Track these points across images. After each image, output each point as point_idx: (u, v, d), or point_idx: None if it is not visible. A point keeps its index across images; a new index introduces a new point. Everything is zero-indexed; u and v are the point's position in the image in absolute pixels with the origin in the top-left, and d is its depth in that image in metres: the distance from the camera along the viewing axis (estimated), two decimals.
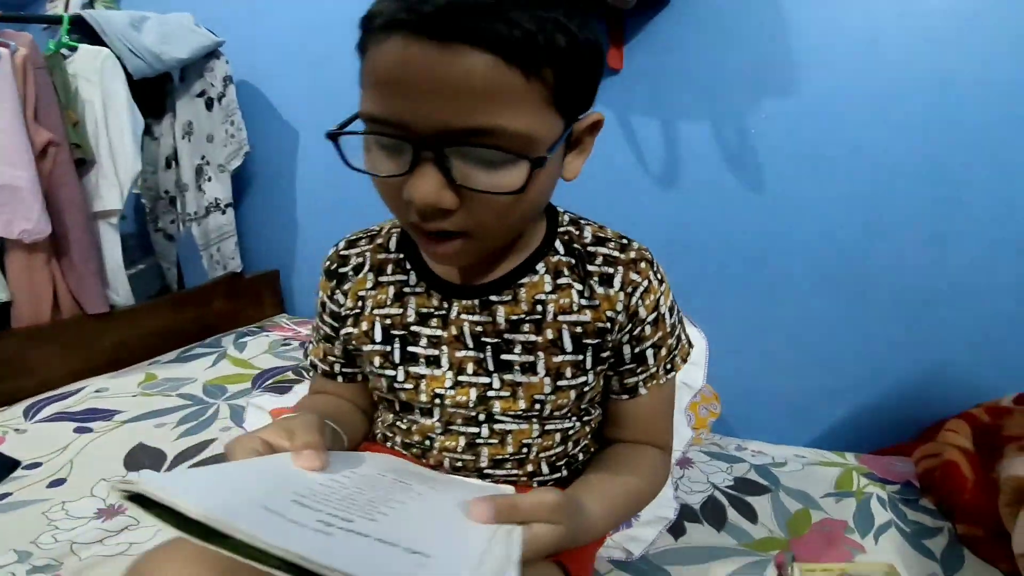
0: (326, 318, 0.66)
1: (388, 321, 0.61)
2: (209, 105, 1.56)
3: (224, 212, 1.61)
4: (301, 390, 1.20)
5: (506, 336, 0.58)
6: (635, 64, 1.24)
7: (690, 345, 0.66)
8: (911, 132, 1.08)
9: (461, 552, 0.38)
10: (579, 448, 0.66)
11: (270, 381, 1.32)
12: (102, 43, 1.39)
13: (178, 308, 1.51)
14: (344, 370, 0.69)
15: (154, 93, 1.57)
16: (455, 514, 0.44)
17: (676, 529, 0.89)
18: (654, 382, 0.62)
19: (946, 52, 1.03)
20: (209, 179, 1.60)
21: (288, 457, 0.45)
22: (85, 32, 1.40)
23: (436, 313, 0.60)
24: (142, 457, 1.04)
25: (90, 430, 1.12)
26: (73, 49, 1.37)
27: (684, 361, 0.65)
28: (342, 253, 0.65)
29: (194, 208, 1.62)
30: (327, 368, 0.69)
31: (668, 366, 0.63)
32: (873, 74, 1.08)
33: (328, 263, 0.66)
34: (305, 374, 1.35)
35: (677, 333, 0.63)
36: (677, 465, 1.02)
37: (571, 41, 0.44)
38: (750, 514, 0.93)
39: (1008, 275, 1.06)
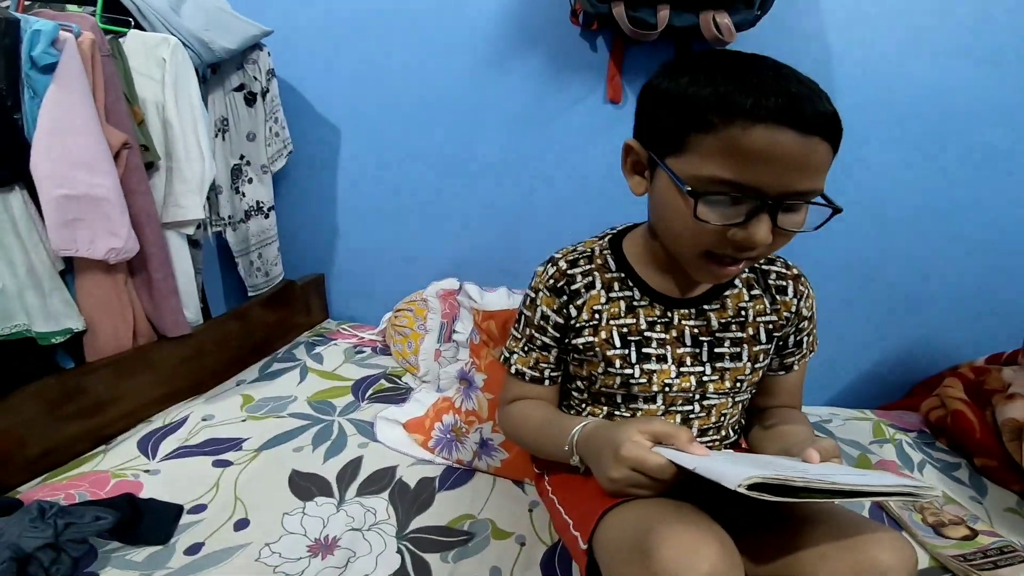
0: (549, 329, 0.81)
1: (624, 329, 0.78)
2: (250, 101, 1.46)
3: (267, 216, 1.54)
4: (422, 398, 1.26)
5: (717, 335, 0.79)
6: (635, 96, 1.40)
7: None
8: (909, 151, 1.36)
9: (853, 470, 0.62)
10: (742, 415, 0.88)
11: (370, 392, 1.35)
12: (137, 27, 1.24)
13: (239, 321, 1.45)
14: (552, 375, 0.85)
15: None
16: (796, 460, 0.66)
17: None
18: (803, 360, 0.87)
19: (939, 86, 1.31)
20: (249, 180, 1.51)
21: (667, 449, 0.63)
22: (114, 14, 1.23)
23: (660, 320, 0.78)
24: (306, 485, 1.05)
25: (229, 463, 1.10)
26: (120, 34, 1.21)
27: (817, 344, 0.89)
28: (568, 272, 0.80)
29: (229, 212, 1.52)
30: (536, 375, 0.85)
31: (811, 348, 0.88)
32: (887, 104, 1.34)
33: (552, 281, 0.80)
34: (397, 381, 1.39)
35: (816, 324, 0.87)
36: None
37: None
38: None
39: (973, 265, 1.41)
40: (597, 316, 0.78)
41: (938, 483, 1.13)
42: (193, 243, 1.55)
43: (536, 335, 0.82)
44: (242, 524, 0.96)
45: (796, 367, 0.86)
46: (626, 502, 0.66)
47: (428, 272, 1.55)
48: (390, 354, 1.51)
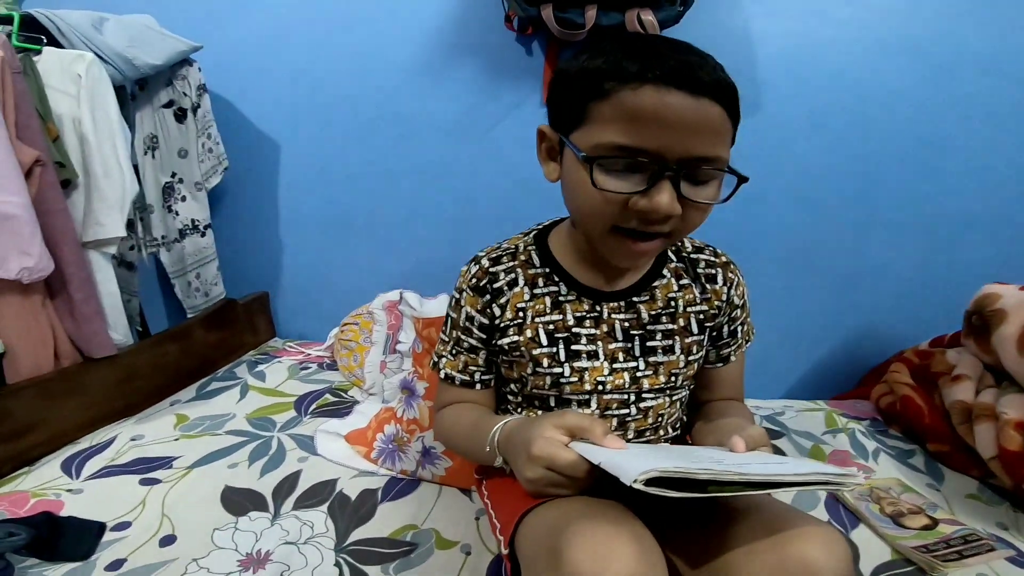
0: (474, 331, 0.78)
1: (551, 326, 0.75)
2: (180, 117, 1.43)
3: (203, 234, 1.50)
4: (365, 410, 1.22)
5: (648, 327, 0.76)
6: None
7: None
8: (838, 141, 1.40)
9: (780, 459, 0.59)
10: (682, 411, 0.85)
11: (313, 407, 1.31)
12: (55, 46, 1.22)
13: (174, 341, 1.39)
14: (483, 377, 0.81)
15: None
16: (723, 451, 0.63)
17: None
18: (739, 351, 0.85)
19: (862, 76, 1.35)
20: (183, 199, 1.47)
21: (585, 444, 0.60)
22: (33, 33, 1.21)
23: (589, 315, 0.75)
24: (241, 500, 1.01)
25: (158, 480, 1.05)
26: (34, 51, 1.18)
27: (754, 334, 0.88)
28: (491, 271, 0.77)
29: (162, 232, 1.48)
30: (466, 378, 0.81)
31: (747, 338, 0.86)
32: (812, 95, 1.38)
33: (474, 280, 0.77)
34: (343, 395, 1.35)
35: (749, 312, 0.86)
36: None
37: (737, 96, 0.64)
38: (780, 454, 1.17)
39: (911, 251, 1.44)
40: (521, 314, 0.75)
41: (894, 471, 1.12)
42: (128, 265, 1.51)
43: (463, 337, 0.79)
44: (168, 540, 0.91)
45: (733, 358, 0.85)
46: (546, 502, 0.64)
47: (375, 285, 1.52)
48: (337, 369, 1.47)
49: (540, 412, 0.78)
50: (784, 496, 0.72)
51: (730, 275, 0.80)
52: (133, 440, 1.16)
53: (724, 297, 0.79)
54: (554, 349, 0.74)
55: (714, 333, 0.81)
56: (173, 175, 1.47)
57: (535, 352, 0.74)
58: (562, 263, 0.76)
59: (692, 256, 0.80)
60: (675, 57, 0.58)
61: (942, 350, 1.33)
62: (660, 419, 0.79)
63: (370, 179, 1.57)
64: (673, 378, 0.77)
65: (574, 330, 0.74)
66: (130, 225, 1.47)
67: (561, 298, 0.75)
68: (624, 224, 0.64)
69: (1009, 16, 1.28)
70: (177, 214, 1.48)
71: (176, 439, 1.17)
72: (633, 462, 0.51)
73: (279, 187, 1.63)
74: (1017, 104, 1.33)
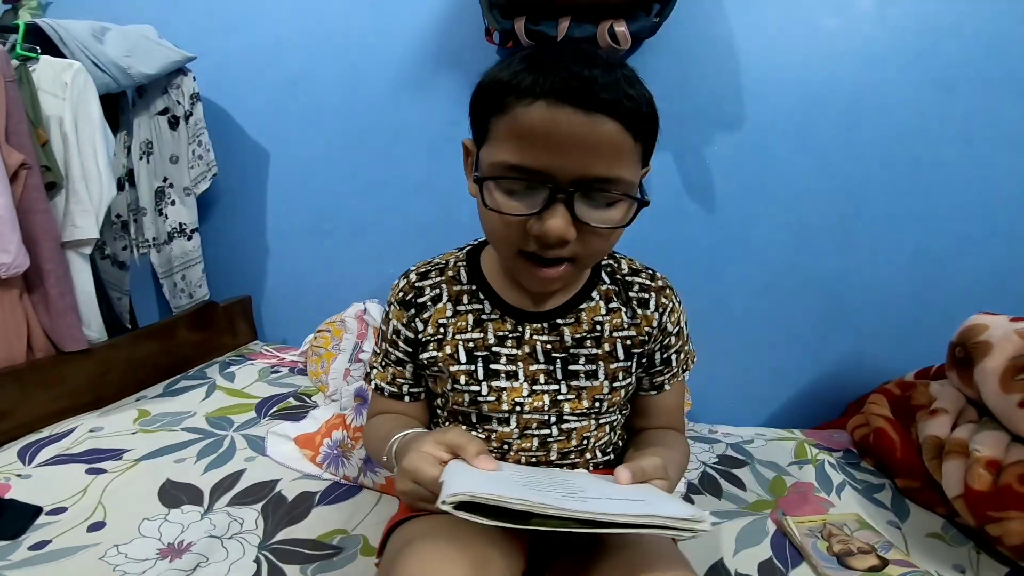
0: (400, 344, 0.77)
1: (471, 344, 0.73)
2: (174, 124, 1.50)
3: (190, 238, 1.56)
4: (319, 415, 1.23)
5: (571, 351, 0.73)
6: None
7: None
8: (825, 159, 1.34)
9: (656, 497, 0.54)
10: (617, 436, 0.82)
11: (274, 409, 1.32)
12: (58, 54, 1.29)
13: (152, 340, 1.44)
14: (411, 391, 0.80)
15: (105, 110, 1.47)
16: (604, 483, 0.60)
17: (686, 500, 1.06)
18: (675, 380, 0.81)
19: (850, 90, 1.29)
20: (172, 203, 1.54)
21: (463, 464, 0.57)
22: (38, 42, 1.29)
23: (511, 335, 0.73)
24: (177, 493, 1.03)
25: (103, 471, 1.07)
26: (32, 59, 1.26)
27: (693, 362, 0.84)
28: (416, 285, 0.76)
29: (153, 234, 1.55)
30: (395, 390, 0.80)
31: (684, 367, 0.82)
32: (797, 110, 1.33)
33: (401, 294, 0.76)
34: (307, 400, 1.36)
35: (689, 341, 0.83)
36: None
37: (653, 110, 0.60)
38: (738, 483, 1.13)
39: (902, 277, 1.36)
40: (442, 330, 0.74)
41: (856, 506, 1.06)
42: (120, 264, 1.58)
43: (390, 350, 0.78)
44: (97, 526, 0.94)
45: (668, 386, 0.81)
46: (417, 516, 0.64)
47: (355, 293, 1.54)
48: (307, 374, 1.49)
49: (463, 428, 0.76)
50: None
51: (663, 300, 0.76)
52: (92, 431, 1.20)
53: (655, 323, 0.75)
54: (472, 367, 0.73)
55: (644, 360, 0.77)
56: (165, 180, 1.54)
57: (452, 369, 0.73)
58: (490, 281, 0.75)
59: (627, 279, 0.77)
60: (573, 71, 0.54)
61: (926, 382, 1.26)
62: (585, 442, 0.76)
63: (354, 188, 1.60)
64: (597, 404, 0.74)
65: (494, 349, 0.73)
66: (124, 226, 1.56)
67: (484, 316, 0.74)
68: (526, 248, 0.61)
69: (1007, 28, 1.22)
70: (167, 217, 1.55)
71: (133, 433, 1.20)
72: (466, 484, 0.49)
73: (267, 194, 1.67)
74: (1016, 121, 1.26)
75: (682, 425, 0.87)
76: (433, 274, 0.77)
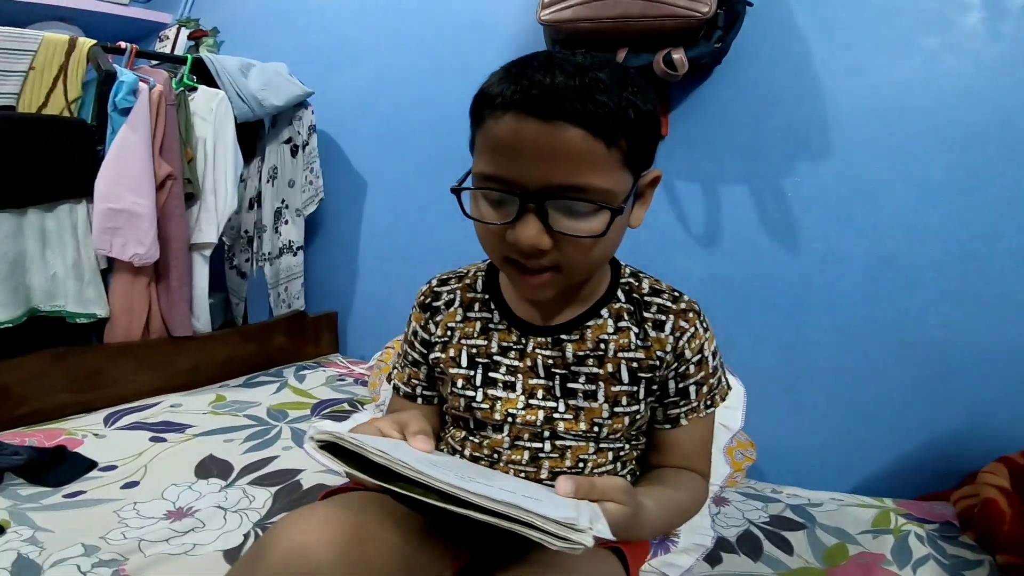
0: (416, 345, 0.78)
1: (474, 350, 0.72)
2: (294, 152, 1.73)
3: (295, 254, 1.75)
4: (358, 418, 1.28)
5: (572, 368, 0.69)
6: (679, 130, 1.35)
7: (728, 387, 0.76)
8: (934, 191, 1.14)
9: (561, 503, 0.48)
10: (627, 469, 0.74)
11: (328, 410, 1.41)
12: (214, 85, 1.57)
13: (248, 339, 1.64)
14: (424, 392, 0.80)
15: (247, 138, 1.73)
16: (540, 488, 0.56)
17: (712, 558, 0.92)
18: (695, 415, 0.72)
19: (968, 111, 1.11)
20: (286, 222, 1.75)
21: (401, 442, 0.56)
22: (200, 74, 1.59)
23: (515, 347, 0.71)
24: (211, 467, 1.12)
25: (164, 440, 1.21)
26: (193, 88, 1.54)
27: (723, 399, 0.74)
28: (436, 289, 0.77)
29: (269, 248, 1.77)
30: (409, 390, 0.80)
31: (708, 402, 0.72)
32: (897, 136, 1.17)
33: (422, 297, 0.78)
34: (360, 407, 1.43)
35: (718, 375, 0.73)
36: (713, 503, 1.05)
37: (638, 113, 0.56)
38: (786, 546, 0.96)
39: None
40: (450, 333, 0.74)
41: None
42: (241, 274, 1.81)
43: (409, 351, 0.80)
44: (131, 485, 1.05)
45: (684, 421, 0.72)
46: (350, 490, 0.65)
47: None
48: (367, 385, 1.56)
49: (463, 432, 0.75)
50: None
51: (682, 324, 0.69)
52: (172, 407, 1.37)
53: (668, 348, 0.69)
54: (472, 372, 0.72)
55: (654, 387, 0.71)
56: (283, 201, 1.76)
57: (452, 371, 0.73)
58: (504, 292, 0.75)
59: (645, 298, 0.71)
60: (535, 79, 0.54)
61: None
62: (582, 464, 0.70)
63: (440, 218, 1.69)
64: (596, 427, 0.69)
65: (495, 358, 0.72)
66: (249, 241, 1.79)
67: (491, 325, 0.73)
68: (510, 256, 0.61)
69: None
70: (280, 234, 1.75)
71: (204, 413, 1.35)
72: (348, 433, 0.49)
73: (363, 220, 1.83)
74: None
75: (704, 468, 0.76)
76: (452, 281, 0.78)
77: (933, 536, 0.96)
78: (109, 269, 1.44)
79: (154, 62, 1.61)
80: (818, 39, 1.22)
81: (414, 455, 0.52)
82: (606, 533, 0.44)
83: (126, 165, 1.37)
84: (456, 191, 0.60)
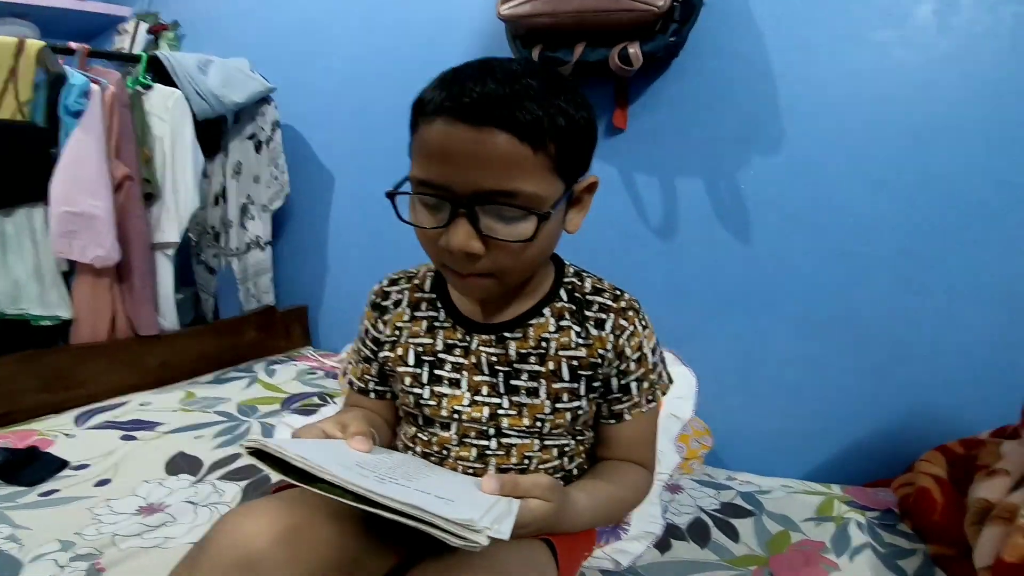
0: (368, 342, 0.80)
1: (420, 348, 0.75)
2: (258, 147, 1.73)
3: (263, 249, 1.76)
4: (326, 412, 1.30)
5: (515, 366, 0.71)
6: (637, 124, 1.37)
7: (670, 381, 0.79)
8: (883, 184, 1.18)
9: (475, 502, 0.52)
10: (573, 464, 0.78)
11: (297, 404, 1.43)
12: (171, 82, 1.55)
13: (217, 335, 1.65)
14: (377, 388, 0.82)
15: (210, 134, 1.71)
16: (467, 485, 0.59)
17: (662, 545, 0.96)
18: (637, 410, 0.75)
19: (917, 104, 1.14)
20: (252, 217, 1.75)
21: (342, 442, 0.60)
22: (156, 71, 1.57)
23: (460, 344, 0.73)
24: (182, 463, 1.14)
25: (135, 438, 1.23)
26: (148, 87, 1.53)
27: (664, 394, 0.78)
28: (385, 289, 0.80)
29: (236, 244, 1.77)
30: (362, 385, 0.83)
31: (650, 397, 0.76)
32: (849, 129, 1.19)
33: (373, 296, 0.81)
34: (330, 400, 1.45)
35: (659, 370, 0.77)
36: (667, 490, 1.09)
37: (569, 120, 0.58)
38: (732, 534, 1.00)
39: (981, 321, 1.14)
40: (398, 332, 0.77)
41: (869, 572, 0.90)
42: (210, 270, 1.82)
43: (361, 348, 0.82)
44: (103, 483, 1.08)
45: (628, 416, 0.75)
46: (290, 487, 0.65)
47: None
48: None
49: (413, 429, 0.78)
50: None
51: (622, 322, 0.72)
52: (142, 405, 1.38)
53: (609, 345, 0.72)
54: (419, 370, 0.75)
55: (597, 384, 0.74)
56: (248, 197, 1.76)
57: (400, 369, 0.76)
58: (451, 291, 0.77)
59: (587, 297, 0.74)
60: (467, 87, 0.56)
61: (998, 441, 1.04)
62: (527, 461, 0.74)
63: (404, 210, 1.70)
64: (539, 423, 0.72)
65: (440, 356, 0.74)
66: (216, 237, 1.80)
67: (436, 324, 0.75)
68: (442, 261, 0.64)
69: None
70: (247, 230, 1.76)
71: (175, 410, 1.37)
72: (279, 443, 0.52)
73: (330, 214, 1.84)
74: None
75: (647, 460, 0.80)
76: (402, 281, 0.80)
77: (873, 524, 1.01)
78: (71, 271, 1.44)
79: (108, 62, 1.59)
80: (773, 32, 1.23)
81: (344, 457, 0.55)
82: (504, 534, 0.47)
83: (81, 168, 1.37)
84: (391, 195, 0.62)
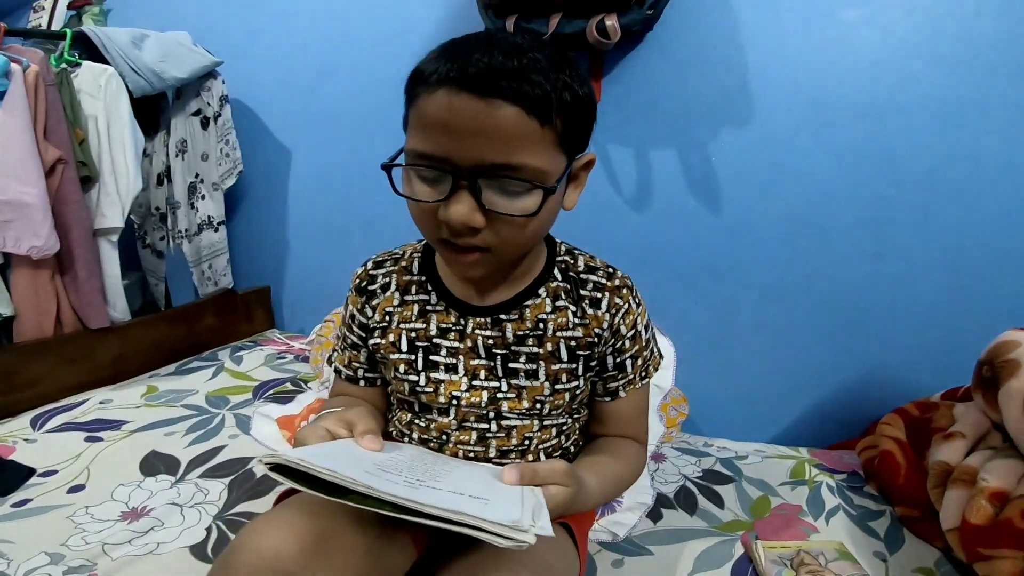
0: (355, 328, 0.77)
1: (413, 334, 0.72)
2: (204, 124, 1.62)
3: (217, 230, 1.67)
4: (304, 399, 1.27)
5: (513, 348, 0.71)
6: (611, 96, 1.36)
7: (661, 356, 0.81)
8: (845, 158, 1.23)
9: (508, 498, 0.52)
10: (570, 441, 0.78)
11: (270, 392, 1.38)
12: (102, 59, 1.42)
13: (174, 323, 1.56)
14: (366, 375, 0.80)
15: (148, 111, 1.59)
16: (488, 478, 0.59)
17: (654, 514, 1.00)
18: (632, 387, 0.76)
19: (878, 83, 1.18)
20: (202, 197, 1.65)
21: (352, 443, 0.58)
22: (85, 48, 1.43)
23: (454, 328, 0.71)
24: (157, 463, 1.10)
25: (100, 439, 1.16)
26: (75, 65, 1.40)
27: (656, 370, 0.79)
28: (371, 272, 0.76)
29: (185, 225, 1.67)
30: (351, 373, 0.80)
31: (643, 373, 0.77)
32: (814, 104, 1.23)
33: (358, 280, 0.77)
34: (304, 385, 1.42)
35: (651, 347, 0.78)
36: (652, 459, 1.14)
37: (574, 96, 0.57)
38: (717, 500, 1.05)
39: (933, 286, 1.22)
40: (388, 318, 0.74)
41: (843, 533, 0.96)
42: (158, 253, 1.71)
43: (347, 334, 0.79)
44: (77, 489, 1.02)
45: (623, 393, 0.76)
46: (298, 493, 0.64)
47: None
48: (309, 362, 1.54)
49: (409, 416, 0.76)
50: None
51: (617, 301, 0.72)
52: (101, 403, 1.30)
53: (606, 324, 0.71)
54: (413, 357, 0.73)
55: (594, 363, 0.74)
56: (197, 175, 1.65)
57: (392, 357, 0.73)
58: (441, 272, 0.74)
59: (581, 276, 0.73)
60: (474, 58, 0.54)
61: (951, 403, 1.12)
62: (527, 442, 0.74)
63: (366, 188, 1.64)
64: (538, 405, 0.72)
65: (435, 340, 0.72)
66: (162, 218, 1.69)
67: (428, 308, 0.73)
68: (441, 235, 0.61)
69: None
70: (197, 210, 1.66)
71: (138, 407, 1.30)
72: (296, 452, 0.50)
73: (288, 191, 1.76)
74: None
75: (641, 435, 0.82)
76: (388, 263, 0.77)
77: (842, 487, 1.08)
78: (7, 264, 1.32)
79: (27, 40, 1.44)
80: (747, 6, 1.24)
81: (363, 460, 0.54)
82: (548, 530, 0.48)
83: (7, 153, 1.24)
84: (387, 167, 0.60)
